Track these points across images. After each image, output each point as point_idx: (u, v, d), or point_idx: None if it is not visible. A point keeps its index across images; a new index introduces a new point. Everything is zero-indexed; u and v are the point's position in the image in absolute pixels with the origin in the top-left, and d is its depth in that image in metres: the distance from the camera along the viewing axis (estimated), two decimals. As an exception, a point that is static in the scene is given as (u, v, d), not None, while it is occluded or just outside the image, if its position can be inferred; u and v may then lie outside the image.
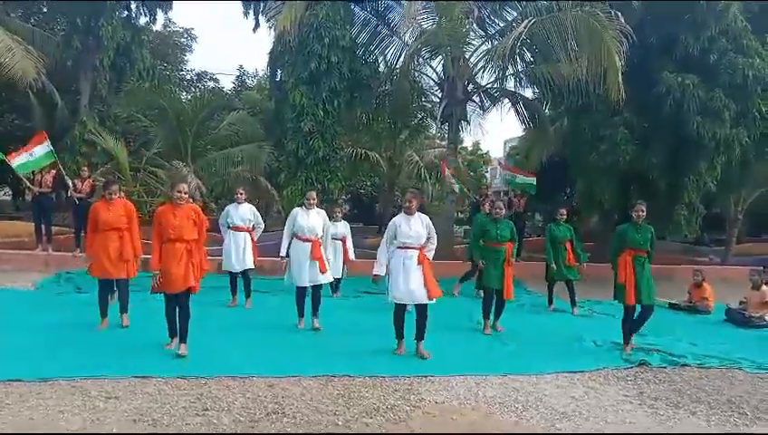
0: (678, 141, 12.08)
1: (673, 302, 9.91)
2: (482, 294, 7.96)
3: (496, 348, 6.71)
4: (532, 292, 10.55)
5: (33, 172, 11.18)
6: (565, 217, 9.47)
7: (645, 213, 6.66)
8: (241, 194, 8.76)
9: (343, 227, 9.38)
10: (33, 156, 10.76)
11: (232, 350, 6.06)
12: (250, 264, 8.51)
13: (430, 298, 6.09)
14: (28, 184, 11.25)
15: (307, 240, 7.13)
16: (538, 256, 12.38)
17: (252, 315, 7.86)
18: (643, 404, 5.00)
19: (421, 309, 6.17)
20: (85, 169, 11.78)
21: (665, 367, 6.17)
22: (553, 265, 9.09)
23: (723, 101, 11.45)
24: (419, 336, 6.21)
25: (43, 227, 11.26)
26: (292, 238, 7.26)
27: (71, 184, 11.12)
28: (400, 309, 6.27)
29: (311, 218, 7.19)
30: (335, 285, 9.12)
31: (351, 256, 9.49)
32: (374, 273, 6.33)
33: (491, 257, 7.53)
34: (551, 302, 9.34)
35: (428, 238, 6.24)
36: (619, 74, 10.75)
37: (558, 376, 5.67)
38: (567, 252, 9.19)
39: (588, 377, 5.71)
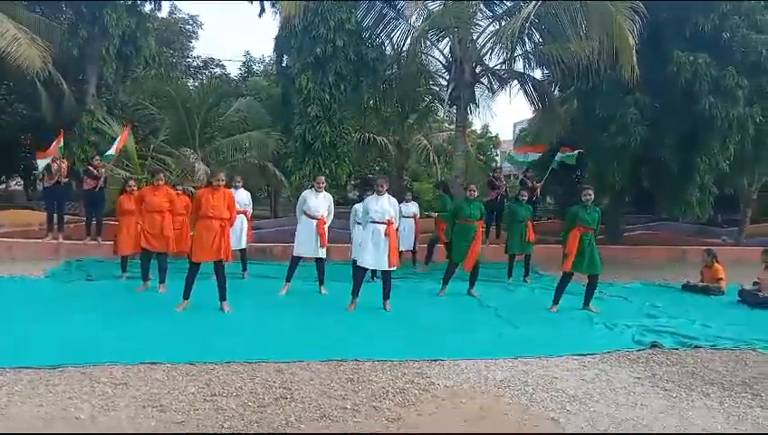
0: (690, 121, 11.86)
1: (686, 283, 9.78)
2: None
3: (506, 331, 6.65)
4: (543, 275, 10.48)
5: (51, 162, 11.24)
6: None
7: (593, 196, 7.78)
8: (239, 180, 9.71)
9: (414, 207, 10.96)
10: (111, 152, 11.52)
11: (240, 335, 6.06)
12: (244, 244, 9.51)
13: (391, 266, 7.37)
14: (44, 173, 11.34)
15: (313, 218, 8.14)
16: (551, 238, 12.31)
17: (258, 300, 7.85)
18: (655, 386, 4.94)
19: (385, 275, 7.53)
20: (97, 158, 11.81)
21: (677, 349, 6.10)
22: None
23: (736, 79, 11.21)
24: (386, 296, 7.51)
25: (55, 215, 11.33)
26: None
27: (96, 172, 11.18)
28: (362, 272, 7.51)
29: (318, 200, 8.26)
30: (413, 259, 11.06)
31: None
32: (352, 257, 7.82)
33: (462, 234, 8.47)
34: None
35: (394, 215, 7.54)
36: (633, 53, 10.55)
37: (568, 359, 5.62)
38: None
39: (599, 359, 5.65)
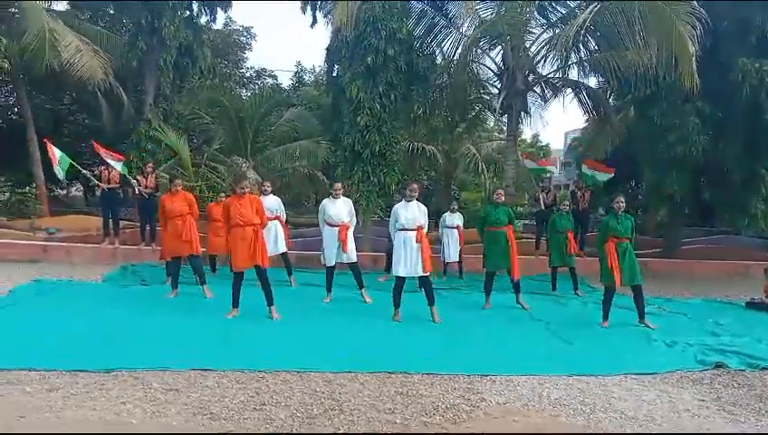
0: (755, 131, 11.37)
1: (750, 300, 9.30)
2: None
3: (560, 347, 6.43)
4: (596, 288, 10.14)
5: (102, 168, 11.59)
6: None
7: (624, 205, 7.56)
8: (267, 186, 9.80)
9: (458, 218, 10.93)
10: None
11: (288, 343, 6.06)
12: (283, 247, 9.60)
13: (426, 271, 7.25)
14: (96, 181, 11.64)
15: (335, 225, 8.21)
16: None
17: (305, 307, 7.86)
18: (721, 410, 4.67)
19: (424, 281, 7.37)
20: (150, 164, 12.12)
21: (743, 370, 5.76)
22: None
23: (804, 87, 10.69)
24: (430, 301, 7.37)
25: (110, 221, 11.66)
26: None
27: (134, 182, 11.46)
28: (401, 282, 7.35)
29: (337, 206, 8.33)
30: (459, 270, 10.90)
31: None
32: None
33: (493, 241, 8.38)
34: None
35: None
36: (693, 61, 10.17)
37: (627, 378, 5.38)
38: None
39: (660, 380, 5.38)
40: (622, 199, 7.56)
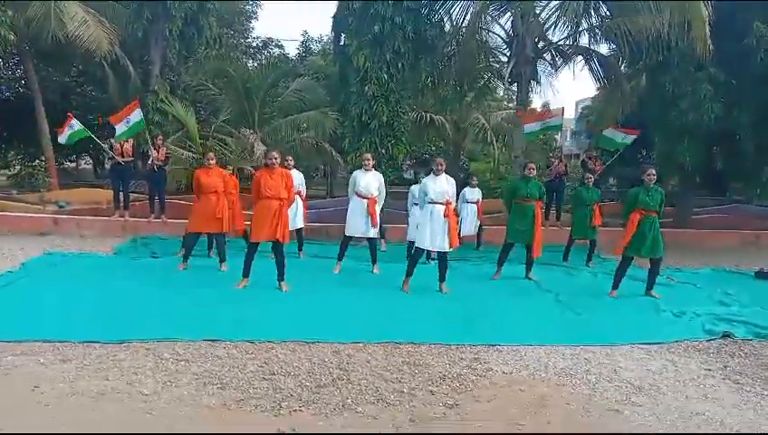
0: (769, 98, 11.18)
1: (759, 270, 9.26)
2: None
3: (568, 317, 6.46)
4: (606, 259, 10.11)
5: (113, 143, 11.53)
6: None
7: (655, 177, 7.45)
8: (290, 160, 9.56)
9: (478, 193, 10.90)
10: (128, 123, 11.21)
11: (297, 314, 6.11)
12: (301, 223, 9.62)
13: (452, 247, 7.25)
14: (112, 154, 11.57)
15: (364, 197, 8.18)
16: (613, 221, 11.85)
17: (314, 279, 7.90)
18: (727, 379, 4.69)
19: (442, 256, 7.35)
20: (159, 137, 12.09)
21: (751, 339, 5.78)
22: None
23: (821, 52, 10.48)
24: (442, 278, 7.39)
25: (121, 194, 11.70)
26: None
27: (152, 154, 11.41)
28: (419, 253, 7.45)
29: (367, 178, 8.29)
30: (478, 241, 11.06)
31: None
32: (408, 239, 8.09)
33: (519, 213, 8.29)
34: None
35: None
36: (707, 26, 9.96)
37: (633, 348, 5.41)
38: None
39: (666, 349, 5.41)
40: (653, 172, 7.46)
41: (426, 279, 7.53)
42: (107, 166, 17.09)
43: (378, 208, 8.34)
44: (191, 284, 7.32)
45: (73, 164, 29.99)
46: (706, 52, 10.26)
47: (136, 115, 11.20)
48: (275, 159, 7.09)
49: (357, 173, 8.51)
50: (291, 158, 9.85)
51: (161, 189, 11.69)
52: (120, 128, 11.19)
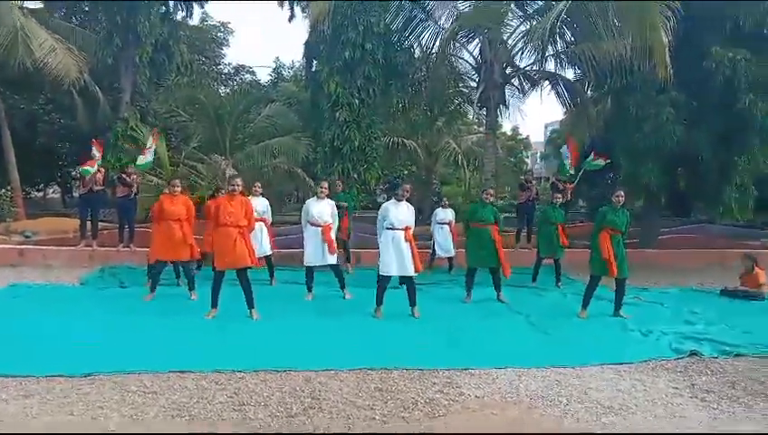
0: (729, 119, 11.50)
1: (724, 288, 9.46)
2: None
3: (539, 339, 6.50)
4: (575, 280, 10.23)
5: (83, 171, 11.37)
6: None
7: (623, 198, 7.63)
8: (258, 188, 9.65)
9: (450, 214, 10.99)
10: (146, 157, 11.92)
11: (268, 343, 6.05)
12: (268, 250, 9.45)
13: (416, 271, 7.33)
14: (80, 183, 11.46)
15: (318, 225, 8.16)
16: (581, 242, 12.01)
17: (286, 307, 7.82)
18: (695, 397, 4.76)
19: (408, 281, 7.37)
20: (131, 167, 11.98)
21: (717, 357, 5.88)
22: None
23: (777, 76, 10.87)
24: (412, 302, 7.41)
25: (89, 223, 11.50)
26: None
27: (130, 180, 11.30)
28: (386, 280, 7.35)
29: (320, 206, 8.27)
30: (450, 265, 10.94)
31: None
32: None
33: (477, 237, 8.38)
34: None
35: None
36: (666, 51, 10.29)
37: (603, 368, 5.46)
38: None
39: (635, 369, 5.47)
40: (622, 193, 7.64)
41: (397, 304, 7.50)
42: (75, 194, 16.80)
43: (332, 235, 8.30)
44: (159, 314, 7.20)
45: (41, 193, 29.43)
46: (667, 75, 10.56)
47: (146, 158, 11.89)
48: (239, 185, 7.01)
49: (309, 202, 8.47)
50: (258, 184, 9.84)
51: (130, 218, 11.53)
52: (146, 157, 11.95)
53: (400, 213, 7.33)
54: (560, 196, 10.64)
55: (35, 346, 5.63)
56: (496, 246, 8.29)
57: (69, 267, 10.41)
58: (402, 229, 7.30)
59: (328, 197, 8.51)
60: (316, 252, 8.19)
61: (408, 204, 7.57)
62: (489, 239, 8.30)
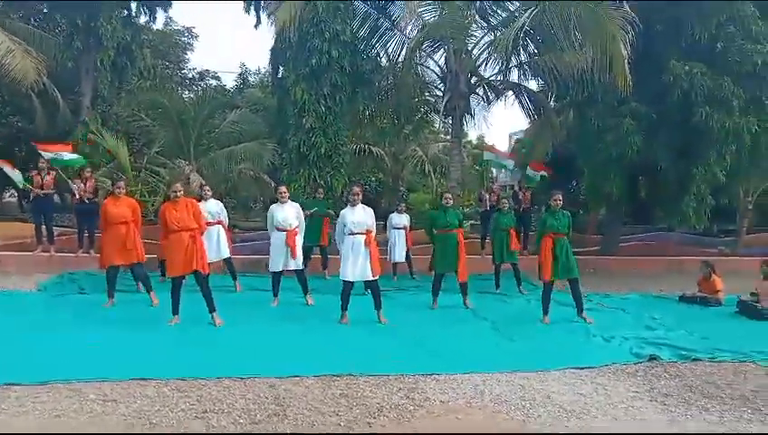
0: (686, 131, 11.86)
1: (683, 294, 9.71)
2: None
3: (503, 344, 6.57)
4: (538, 286, 10.34)
5: (34, 173, 11.11)
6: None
7: (561, 201, 7.75)
8: (207, 190, 9.58)
9: (405, 218, 11.01)
10: (62, 157, 11.33)
11: (232, 349, 5.97)
12: (226, 253, 9.38)
13: (375, 275, 7.31)
14: (29, 186, 11.14)
15: (284, 230, 8.09)
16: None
17: (251, 313, 7.75)
18: (654, 401, 4.86)
19: (372, 285, 7.42)
20: (87, 170, 11.70)
21: (675, 362, 6.01)
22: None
23: (731, 89, 11.23)
24: (378, 306, 7.42)
25: (44, 228, 11.19)
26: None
27: (74, 187, 11.02)
28: (349, 286, 7.33)
29: (285, 211, 8.18)
30: (410, 270, 11.00)
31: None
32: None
33: (442, 243, 8.44)
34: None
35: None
36: (626, 63, 10.56)
37: (566, 372, 5.54)
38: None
39: (596, 373, 5.56)
40: (560, 197, 7.78)
41: (363, 310, 7.51)
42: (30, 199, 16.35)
43: (299, 239, 8.26)
44: (120, 321, 7.05)
45: (-4, 197, 28.49)
46: (627, 87, 10.83)
47: (71, 155, 11.27)
48: (179, 191, 6.95)
49: (273, 207, 8.39)
50: (208, 187, 9.75)
51: (91, 223, 11.23)
52: (47, 155, 11.02)
53: (356, 216, 7.34)
54: (506, 202, 10.74)
55: (-11, 354, 5.44)
56: (459, 250, 8.33)
57: (26, 273, 10.10)
58: (361, 233, 7.30)
59: (317, 200, 8.69)
60: (281, 257, 8.12)
61: (365, 206, 7.55)
62: (455, 244, 8.36)
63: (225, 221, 9.67)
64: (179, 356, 5.64)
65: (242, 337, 6.49)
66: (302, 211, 8.48)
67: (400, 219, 10.90)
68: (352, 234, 7.31)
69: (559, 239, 7.63)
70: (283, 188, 8.47)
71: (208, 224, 8.73)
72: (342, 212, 7.61)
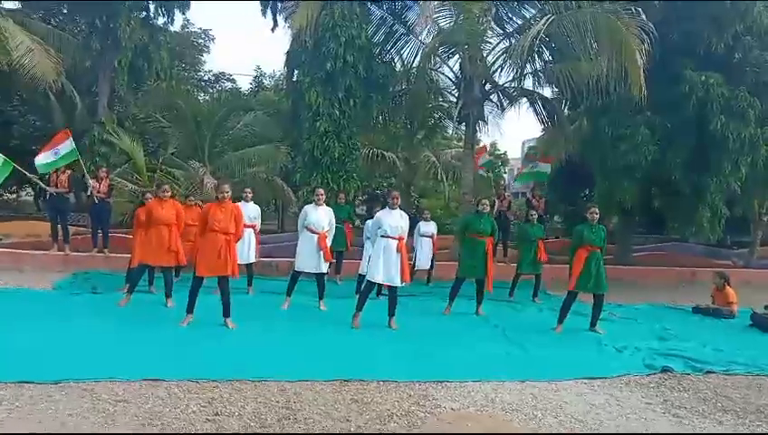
0: (702, 141, 11.78)
1: (696, 306, 9.63)
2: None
3: (515, 353, 6.54)
4: (552, 295, 10.33)
5: (49, 172, 11.18)
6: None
7: (598, 215, 7.78)
8: (248, 193, 9.66)
9: (433, 226, 11.06)
10: (58, 154, 10.84)
11: (244, 352, 5.99)
12: (253, 257, 9.47)
13: (403, 282, 7.34)
14: (42, 184, 11.24)
15: (315, 232, 8.12)
16: (559, 258, 12.14)
17: (263, 316, 7.76)
18: (667, 413, 4.83)
19: (392, 292, 7.39)
20: (103, 169, 11.80)
21: (689, 374, 5.98)
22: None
23: (747, 100, 11.17)
24: (391, 313, 7.39)
25: (59, 227, 11.28)
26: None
27: (90, 184, 11.09)
28: (371, 287, 7.43)
29: (319, 214, 8.23)
30: (428, 277, 11.07)
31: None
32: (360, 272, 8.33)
33: (471, 249, 8.41)
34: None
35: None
36: (641, 72, 10.51)
37: (578, 382, 5.51)
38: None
39: (609, 383, 5.54)
40: (596, 210, 7.75)
41: (375, 315, 7.51)
42: (47, 197, 16.50)
43: (328, 243, 8.28)
44: (133, 320, 7.09)
45: (14, 195, 28.84)
46: (642, 96, 10.78)
47: (67, 146, 10.86)
48: (227, 192, 6.91)
49: (308, 208, 8.43)
50: (249, 190, 9.77)
51: (105, 222, 11.35)
52: (47, 157, 10.80)
53: (394, 220, 7.34)
54: (534, 213, 10.71)
55: (6, 352, 5.49)
56: (487, 259, 8.32)
57: (42, 272, 10.20)
58: (396, 238, 7.29)
59: (327, 205, 8.53)
60: (310, 259, 8.14)
61: (402, 211, 7.57)
62: (483, 251, 8.34)
63: (259, 226, 9.75)
64: (191, 357, 5.67)
65: (253, 339, 6.51)
66: (334, 216, 8.49)
67: (428, 228, 10.97)
68: (386, 237, 7.30)
69: (594, 253, 7.59)
70: (321, 191, 8.55)
71: (245, 227, 8.79)
72: (378, 214, 7.62)
